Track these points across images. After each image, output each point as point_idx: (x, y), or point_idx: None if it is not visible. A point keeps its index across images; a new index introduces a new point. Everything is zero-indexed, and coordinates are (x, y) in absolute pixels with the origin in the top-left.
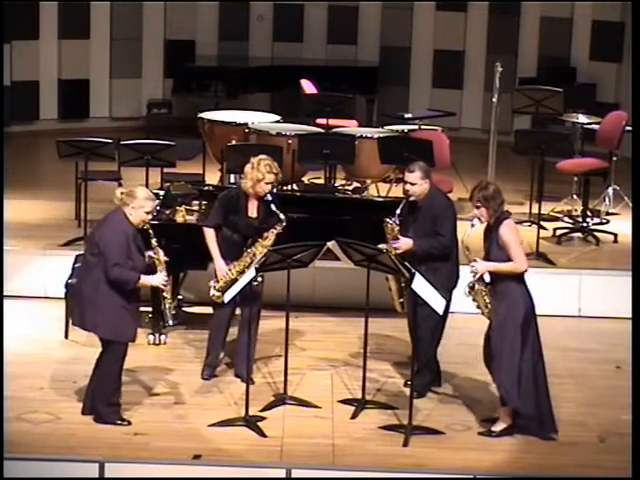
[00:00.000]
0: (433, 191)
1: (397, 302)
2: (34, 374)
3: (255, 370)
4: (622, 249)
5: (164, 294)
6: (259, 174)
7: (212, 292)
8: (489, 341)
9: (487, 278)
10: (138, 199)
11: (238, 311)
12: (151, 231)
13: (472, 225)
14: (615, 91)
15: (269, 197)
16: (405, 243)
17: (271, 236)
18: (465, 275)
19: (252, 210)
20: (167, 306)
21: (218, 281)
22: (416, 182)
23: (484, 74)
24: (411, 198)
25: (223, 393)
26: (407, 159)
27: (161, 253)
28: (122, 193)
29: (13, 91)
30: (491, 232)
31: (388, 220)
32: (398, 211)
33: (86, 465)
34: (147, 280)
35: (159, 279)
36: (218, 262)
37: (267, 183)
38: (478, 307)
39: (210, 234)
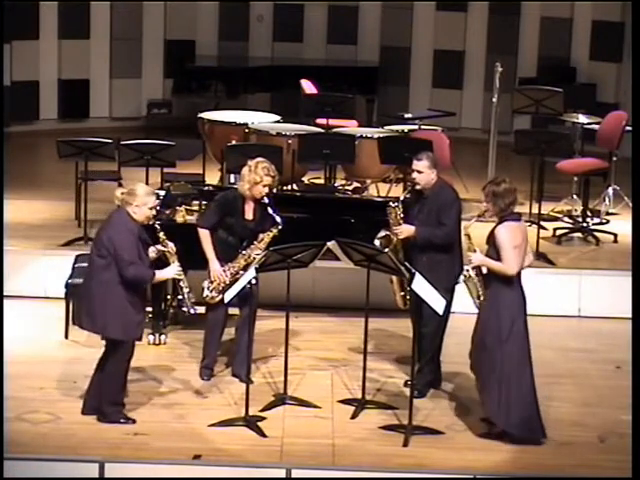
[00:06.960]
0: (441, 183)
1: (398, 296)
2: (34, 374)
3: (255, 370)
4: (622, 249)
5: (181, 284)
6: (257, 177)
7: (206, 293)
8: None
9: (484, 269)
10: (139, 196)
11: (232, 311)
12: (157, 225)
13: (478, 216)
14: (615, 91)
15: (266, 200)
16: (407, 229)
17: (266, 238)
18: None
19: (249, 212)
20: (186, 295)
21: (212, 282)
22: (423, 170)
23: (484, 74)
24: (417, 186)
25: (223, 393)
26: (407, 159)
27: (170, 245)
28: (122, 193)
29: (13, 91)
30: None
31: (392, 204)
32: (402, 197)
33: (86, 465)
34: (162, 274)
35: (174, 270)
36: (213, 263)
37: (264, 186)
38: (471, 296)
39: (205, 235)
